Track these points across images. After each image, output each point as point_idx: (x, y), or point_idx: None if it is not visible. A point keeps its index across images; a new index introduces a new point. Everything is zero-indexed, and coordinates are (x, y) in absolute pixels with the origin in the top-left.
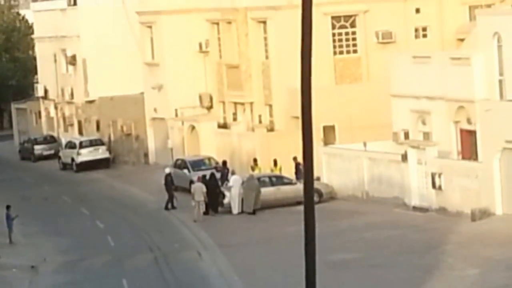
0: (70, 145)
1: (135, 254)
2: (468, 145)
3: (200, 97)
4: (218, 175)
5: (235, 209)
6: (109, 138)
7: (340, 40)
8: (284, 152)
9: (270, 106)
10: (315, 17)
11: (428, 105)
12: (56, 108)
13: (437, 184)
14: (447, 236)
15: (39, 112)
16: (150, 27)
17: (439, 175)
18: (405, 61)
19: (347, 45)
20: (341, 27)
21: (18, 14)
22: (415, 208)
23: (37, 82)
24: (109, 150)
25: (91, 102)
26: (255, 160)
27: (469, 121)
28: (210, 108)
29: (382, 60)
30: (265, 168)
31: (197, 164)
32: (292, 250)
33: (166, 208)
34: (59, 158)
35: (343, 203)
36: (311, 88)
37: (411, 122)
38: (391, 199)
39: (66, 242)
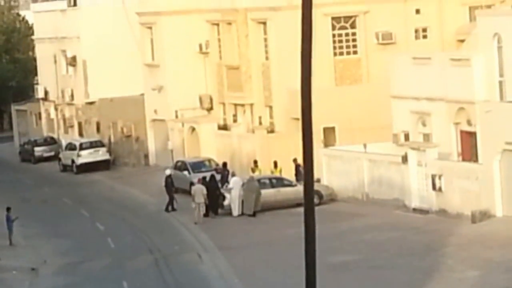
0: (70, 147)
1: (136, 256)
2: (468, 147)
3: (200, 99)
4: (218, 177)
5: (235, 211)
6: (109, 139)
7: (340, 41)
8: (285, 154)
9: (270, 107)
10: (315, 18)
11: (428, 106)
12: (56, 109)
13: (437, 185)
14: (447, 238)
15: (39, 114)
16: (150, 28)
17: (439, 177)
18: (405, 62)
19: (347, 46)
20: (341, 28)
21: (18, 15)
22: (415, 210)
23: (37, 84)
24: (109, 151)
25: (91, 103)
26: (255, 162)
27: (469, 123)
28: (210, 109)
29: (382, 61)
30: (265, 170)
31: (197, 166)
32: (293, 251)
33: (167, 210)
34: (59, 159)
35: (343, 205)
36: (311, 90)
37: (411, 124)
38: (391, 201)
39: (66, 244)
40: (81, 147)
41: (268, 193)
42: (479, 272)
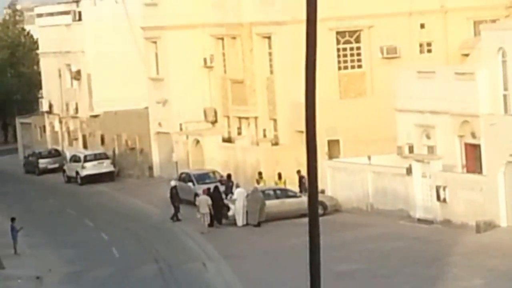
0: (75, 159)
1: (140, 265)
2: (473, 159)
3: (205, 112)
4: (222, 188)
5: (240, 222)
6: (114, 152)
7: (345, 55)
8: (289, 166)
9: (275, 120)
10: (320, 32)
11: (433, 120)
12: (60, 122)
13: (441, 196)
14: (452, 247)
15: (44, 127)
16: (155, 42)
17: (444, 188)
18: (410, 76)
19: (352, 60)
20: (346, 42)
21: (23, 29)
22: (420, 220)
23: (41, 97)
24: (114, 163)
25: (95, 116)
26: (260, 174)
27: (473, 135)
28: (214, 122)
29: (387, 75)
30: (269, 182)
31: (202, 178)
32: (297, 261)
33: (172, 219)
34: (64, 171)
35: (348, 215)
36: (315, 101)
37: (416, 136)
38: (395, 212)
39: (71, 253)
40: (86, 159)
41: (272, 204)
42: (484, 281)
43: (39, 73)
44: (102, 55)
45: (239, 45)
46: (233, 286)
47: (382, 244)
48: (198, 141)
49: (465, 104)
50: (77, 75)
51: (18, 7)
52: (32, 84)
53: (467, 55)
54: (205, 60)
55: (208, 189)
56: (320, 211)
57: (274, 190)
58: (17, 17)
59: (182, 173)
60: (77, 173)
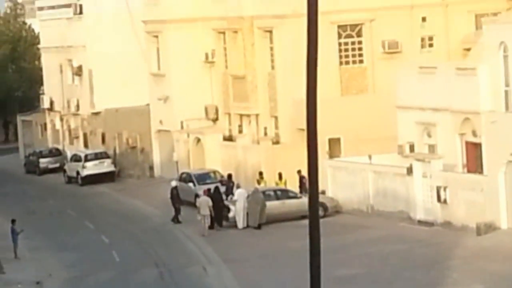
0: (76, 158)
1: (141, 269)
2: (474, 158)
3: (206, 109)
4: (222, 188)
5: (240, 224)
6: (114, 151)
7: (346, 50)
8: (290, 165)
9: (276, 118)
10: (321, 26)
11: (434, 117)
12: (61, 120)
13: (442, 197)
14: (452, 250)
15: (45, 124)
16: (156, 36)
17: (444, 189)
18: (411, 72)
19: (353, 55)
20: (347, 36)
21: (24, 23)
22: (420, 222)
23: (43, 94)
24: (114, 163)
25: (96, 114)
26: (260, 174)
27: (474, 134)
28: (215, 120)
29: (388, 71)
30: (270, 182)
31: (203, 178)
32: (297, 264)
33: (173, 221)
34: (64, 171)
35: (348, 217)
36: (316, 100)
37: (417, 135)
38: (396, 213)
39: (71, 257)
40: (86, 159)
41: (273, 205)
42: (484, 285)
43: (41, 69)
44: (103, 50)
45: (240, 40)
46: None
47: (382, 247)
48: (199, 140)
49: (467, 101)
50: (78, 71)
51: (19, 0)
52: (33, 80)
53: (469, 49)
54: (206, 55)
55: (209, 189)
56: (321, 212)
57: (275, 191)
58: (18, 11)
59: (182, 173)
60: (77, 173)
